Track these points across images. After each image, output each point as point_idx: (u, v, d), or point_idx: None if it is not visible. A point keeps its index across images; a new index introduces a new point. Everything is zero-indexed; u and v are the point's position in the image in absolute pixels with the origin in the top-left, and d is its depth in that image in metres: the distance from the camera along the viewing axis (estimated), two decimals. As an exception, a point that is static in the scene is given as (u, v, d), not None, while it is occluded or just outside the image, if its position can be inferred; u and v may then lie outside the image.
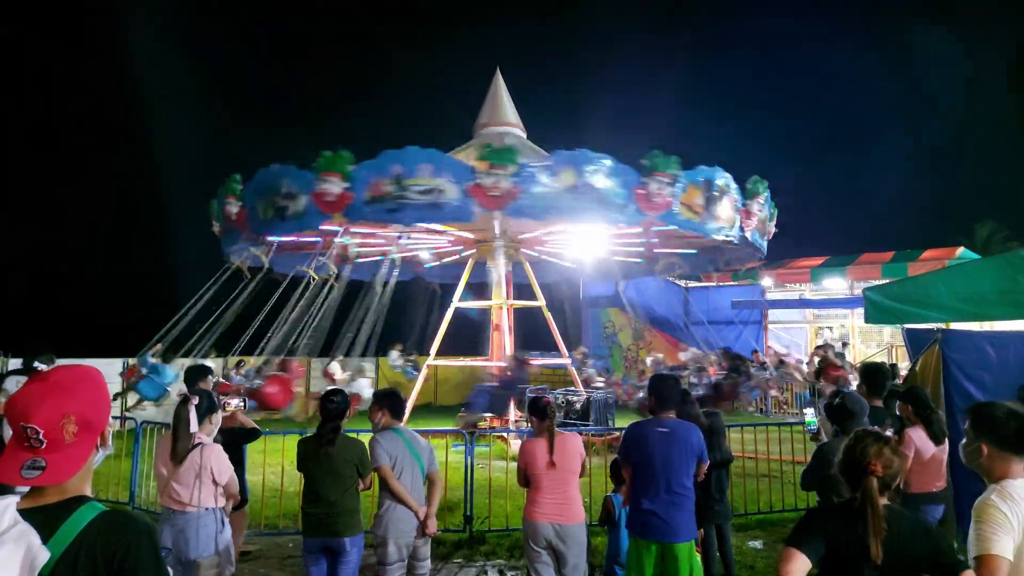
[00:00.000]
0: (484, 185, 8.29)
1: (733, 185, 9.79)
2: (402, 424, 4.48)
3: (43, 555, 1.49)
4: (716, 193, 9.48)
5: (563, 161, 8.70)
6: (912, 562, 2.22)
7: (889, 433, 4.42)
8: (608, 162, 8.72)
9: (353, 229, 10.85)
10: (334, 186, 8.43)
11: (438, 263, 15.00)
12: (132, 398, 11.20)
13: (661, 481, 3.93)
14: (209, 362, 11.19)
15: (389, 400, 4.48)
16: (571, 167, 8.56)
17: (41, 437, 1.59)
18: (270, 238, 10.50)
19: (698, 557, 4.11)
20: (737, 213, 9.98)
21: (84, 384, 1.71)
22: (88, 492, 1.71)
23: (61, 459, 1.62)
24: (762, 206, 10.50)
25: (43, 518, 1.57)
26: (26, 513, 1.54)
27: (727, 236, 10.01)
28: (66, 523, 1.59)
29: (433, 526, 4.27)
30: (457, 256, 14.17)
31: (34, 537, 1.49)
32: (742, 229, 10.14)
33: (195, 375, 5.93)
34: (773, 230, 11.73)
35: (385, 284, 12.49)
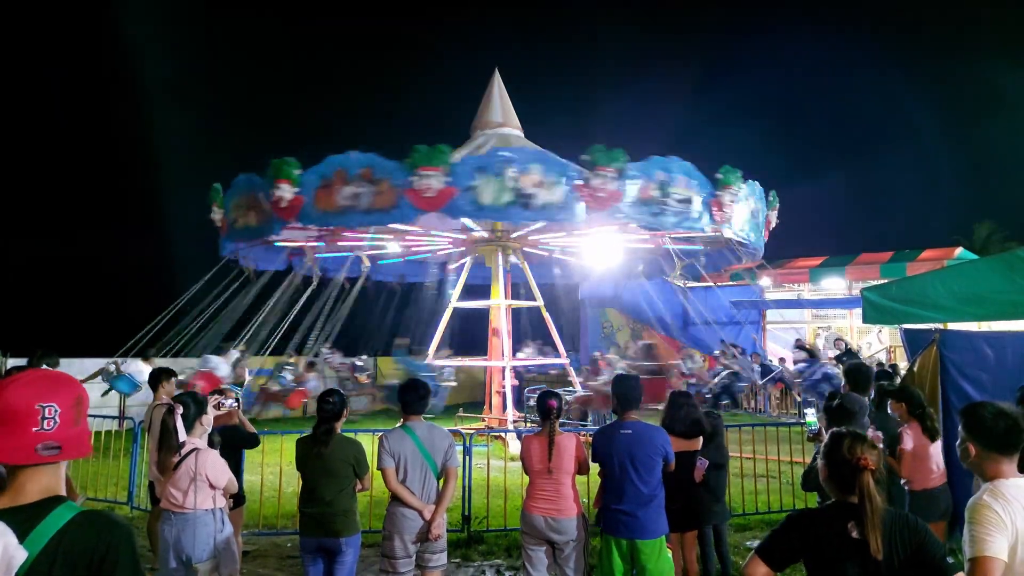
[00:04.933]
0: (418, 187, 8.31)
1: (697, 175, 9.43)
2: (419, 419, 4.29)
3: (20, 555, 1.50)
4: (674, 186, 9.16)
5: (500, 160, 8.64)
6: (901, 561, 2.22)
7: (871, 432, 4.47)
8: (545, 159, 8.66)
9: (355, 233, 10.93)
10: (285, 192, 8.69)
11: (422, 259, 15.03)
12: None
13: (628, 481, 4.09)
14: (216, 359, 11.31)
15: (401, 394, 4.36)
16: (509, 165, 8.50)
17: (58, 417, 1.66)
18: (248, 243, 10.83)
19: (668, 553, 4.22)
20: (704, 205, 9.58)
21: (72, 379, 1.81)
22: (63, 492, 1.72)
23: (72, 438, 1.70)
24: (735, 196, 9.93)
25: (19, 518, 1.58)
26: (2, 513, 1.56)
27: (692, 229, 9.73)
28: (42, 523, 1.60)
29: (437, 529, 4.10)
30: (453, 255, 14.17)
31: (11, 537, 1.49)
32: (714, 221, 9.70)
33: (156, 379, 5.90)
34: (774, 222, 11.46)
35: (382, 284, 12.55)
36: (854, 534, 2.24)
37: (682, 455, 4.69)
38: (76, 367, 12.66)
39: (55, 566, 1.56)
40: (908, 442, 4.61)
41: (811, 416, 4.87)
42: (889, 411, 4.85)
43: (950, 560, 2.22)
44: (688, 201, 9.33)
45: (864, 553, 2.22)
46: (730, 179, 9.73)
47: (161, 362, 11.30)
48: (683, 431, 4.81)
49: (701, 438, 4.91)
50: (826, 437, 2.52)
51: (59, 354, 6.71)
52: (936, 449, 4.72)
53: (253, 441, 5.24)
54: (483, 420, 12.79)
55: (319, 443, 4.15)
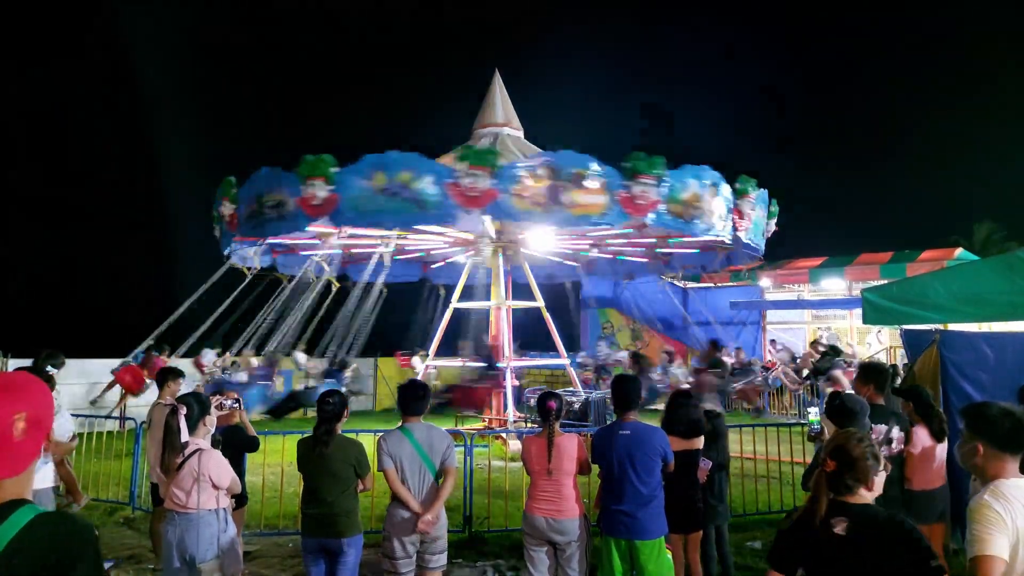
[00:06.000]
0: (463, 186, 8.32)
1: (723, 184, 9.60)
2: (417, 420, 4.29)
3: None
4: (705, 193, 9.34)
5: (545, 162, 8.67)
6: (889, 562, 2.23)
7: (896, 431, 4.49)
8: (593, 164, 8.70)
9: (348, 231, 10.91)
10: (319, 190, 8.55)
11: (442, 263, 15.08)
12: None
13: (627, 482, 4.13)
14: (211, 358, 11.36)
15: (400, 395, 4.36)
16: (553, 168, 8.53)
17: None
18: (260, 240, 10.70)
19: (668, 555, 4.24)
20: (728, 213, 9.80)
21: (33, 386, 1.73)
22: (29, 497, 1.71)
23: (9, 456, 1.63)
24: (754, 205, 10.23)
25: None
26: None
27: (718, 236, 9.85)
28: (2, 526, 1.58)
29: (425, 525, 4.07)
30: (460, 256, 14.21)
31: None
32: (735, 228, 9.92)
33: (164, 378, 5.90)
34: (773, 228, 11.56)
35: (370, 284, 12.56)
36: (837, 529, 2.29)
37: (683, 455, 4.71)
38: (76, 368, 12.71)
39: (16, 566, 1.55)
40: (917, 445, 4.62)
41: (814, 415, 4.87)
42: (900, 410, 4.87)
43: (934, 563, 2.22)
44: (716, 209, 9.48)
45: (849, 551, 2.25)
46: (747, 188, 9.93)
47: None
48: (682, 431, 4.83)
49: (702, 437, 4.92)
50: (827, 437, 2.56)
51: (65, 355, 6.70)
52: (941, 450, 4.73)
53: (254, 445, 5.22)
54: (483, 420, 12.81)
55: (320, 443, 4.15)
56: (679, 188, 9.05)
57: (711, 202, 9.44)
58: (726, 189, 9.66)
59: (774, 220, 11.37)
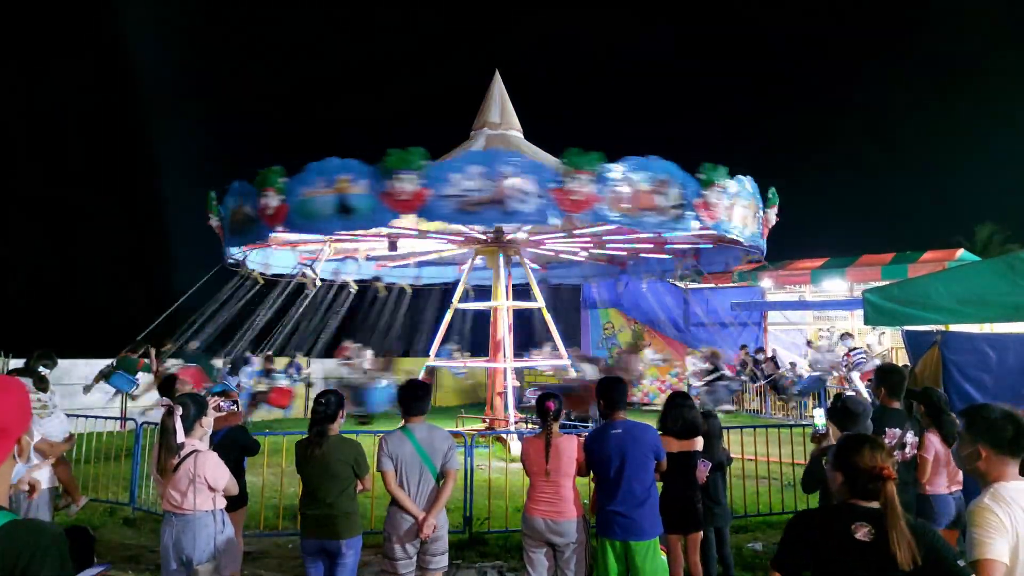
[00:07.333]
0: (393, 190, 8.37)
1: (678, 174, 9.13)
2: (419, 420, 4.28)
3: None
4: (653, 186, 8.95)
5: (473, 161, 8.70)
6: (915, 566, 2.18)
7: (910, 436, 4.45)
8: (519, 160, 8.63)
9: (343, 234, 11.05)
10: (272, 200, 8.94)
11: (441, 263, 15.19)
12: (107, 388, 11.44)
13: (621, 482, 4.10)
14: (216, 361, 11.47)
15: (400, 395, 4.35)
16: (481, 167, 8.52)
17: None
18: (243, 248, 11.19)
19: (663, 556, 4.22)
20: (688, 205, 9.22)
21: None
22: (4, 502, 1.69)
23: None
24: (722, 194, 9.53)
25: None
26: None
27: (676, 230, 9.52)
28: None
29: (427, 530, 4.08)
30: (459, 257, 14.25)
31: None
32: (701, 220, 9.33)
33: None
34: (773, 219, 11.25)
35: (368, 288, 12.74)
36: (858, 535, 2.23)
37: (680, 455, 4.69)
38: (82, 368, 12.69)
39: None
40: (930, 449, 4.58)
41: (819, 418, 4.84)
42: (915, 414, 4.83)
43: (961, 563, 2.21)
44: (670, 201, 9.11)
45: (868, 556, 2.20)
46: (713, 177, 9.37)
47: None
48: (677, 431, 4.81)
49: (700, 438, 4.90)
50: (833, 439, 2.52)
51: (59, 355, 6.68)
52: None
53: (254, 448, 5.19)
54: (484, 421, 12.81)
55: (312, 445, 4.14)
56: (623, 183, 8.76)
57: (662, 195, 9.02)
58: (684, 179, 9.19)
59: (774, 209, 11.07)
